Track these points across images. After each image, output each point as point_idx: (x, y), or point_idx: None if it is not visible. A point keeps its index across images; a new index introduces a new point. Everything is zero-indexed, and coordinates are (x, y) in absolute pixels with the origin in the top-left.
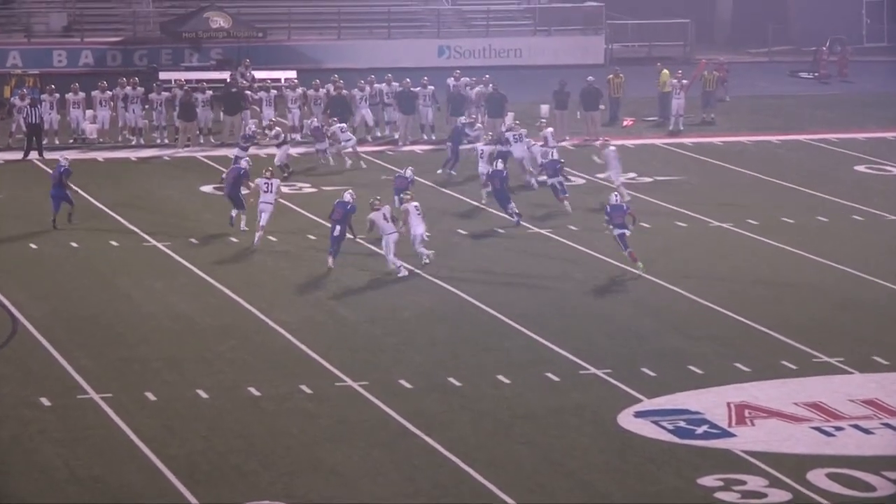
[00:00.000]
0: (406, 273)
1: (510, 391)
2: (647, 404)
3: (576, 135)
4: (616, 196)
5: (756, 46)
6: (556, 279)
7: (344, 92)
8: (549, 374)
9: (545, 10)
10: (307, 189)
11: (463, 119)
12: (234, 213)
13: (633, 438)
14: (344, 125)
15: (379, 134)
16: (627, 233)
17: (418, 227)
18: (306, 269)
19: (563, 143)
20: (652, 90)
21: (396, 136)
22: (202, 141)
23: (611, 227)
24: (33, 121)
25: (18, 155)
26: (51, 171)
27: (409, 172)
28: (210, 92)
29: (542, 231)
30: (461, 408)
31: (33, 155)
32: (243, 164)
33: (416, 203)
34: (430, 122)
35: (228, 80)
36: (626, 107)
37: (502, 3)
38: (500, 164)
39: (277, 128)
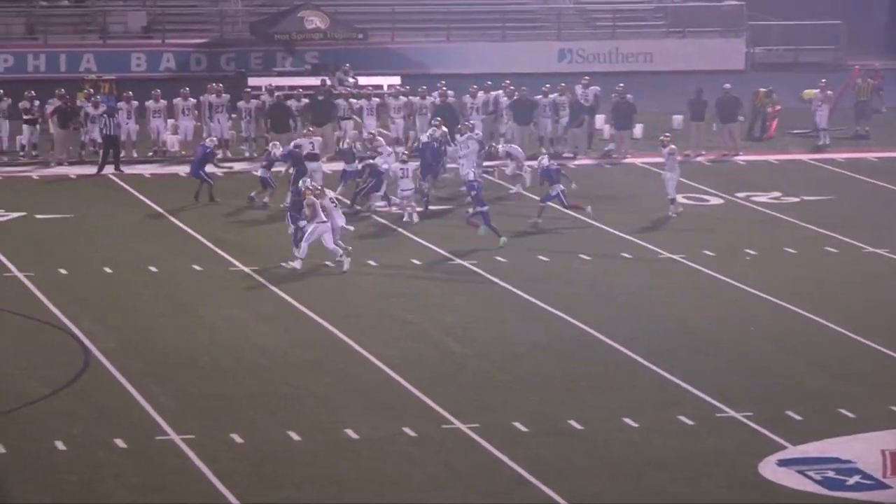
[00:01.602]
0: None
1: (638, 436)
2: (792, 451)
3: (712, 149)
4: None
5: None
6: (687, 309)
7: (452, 100)
8: (682, 417)
9: (679, 9)
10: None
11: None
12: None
13: (776, 490)
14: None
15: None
16: (560, 190)
17: (339, 219)
18: (409, 298)
19: (698, 158)
20: (796, 101)
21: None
22: None
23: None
24: (110, 132)
25: (92, 169)
26: (124, 185)
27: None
28: (306, 100)
29: (674, 256)
30: (583, 454)
31: (109, 169)
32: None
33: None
34: (550, 135)
35: (321, 85)
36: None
37: (631, 2)
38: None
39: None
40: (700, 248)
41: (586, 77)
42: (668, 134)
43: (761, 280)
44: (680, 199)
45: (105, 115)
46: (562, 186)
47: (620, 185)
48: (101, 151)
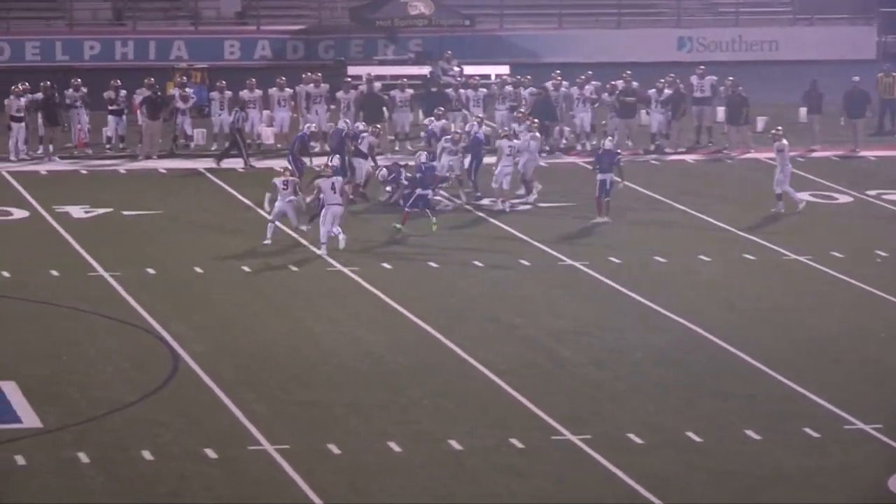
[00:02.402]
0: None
1: (759, 448)
2: None
3: (835, 144)
4: (610, 140)
5: None
6: (813, 314)
7: (557, 91)
8: (807, 429)
9: None
10: (521, 208)
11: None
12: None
13: None
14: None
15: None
16: (609, 180)
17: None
18: (517, 300)
19: (822, 154)
20: None
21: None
22: (397, 147)
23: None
24: (238, 124)
25: (182, 162)
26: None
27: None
28: (410, 91)
29: (800, 258)
30: (701, 467)
31: (232, 163)
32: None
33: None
34: (658, 129)
35: (429, 76)
36: None
37: None
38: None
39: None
40: (828, 248)
41: (702, 66)
42: (779, 127)
43: (892, 283)
44: (806, 196)
45: (238, 109)
46: (611, 176)
47: (738, 181)
48: (190, 144)
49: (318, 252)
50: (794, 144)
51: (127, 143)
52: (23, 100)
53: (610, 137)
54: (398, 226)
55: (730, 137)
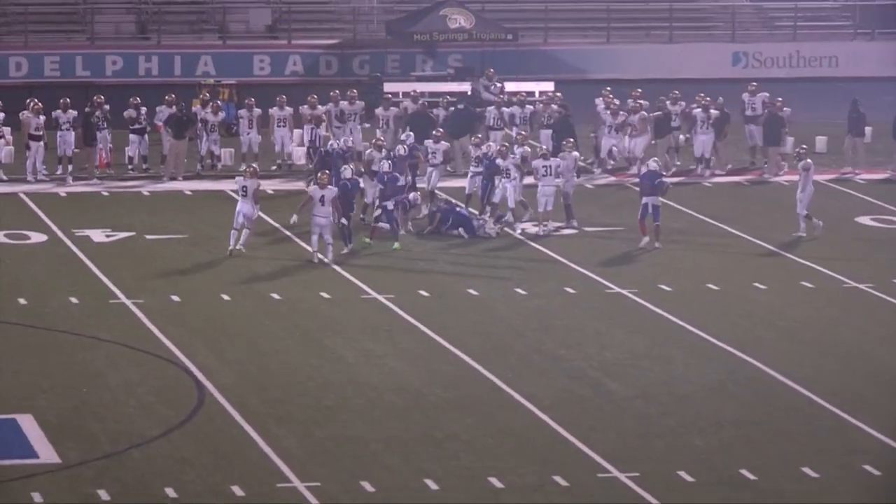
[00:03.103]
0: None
1: (818, 487)
2: None
3: (877, 166)
4: (655, 161)
5: None
6: (876, 346)
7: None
8: (868, 467)
9: (868, 7)
10: (565, 232)
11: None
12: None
13: None
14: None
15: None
16: (652, 203)
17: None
18: (562, 331)
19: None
20: None
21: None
22: (450, 168)
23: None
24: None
25: (210, 184)
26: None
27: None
28: (453, 108)
29: (860, 285)
30: None
31: (228, 185)
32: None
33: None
34: (704, 152)
35: (469, 93)
36: None
37: None
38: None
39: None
40: (889, 276)
41: (754, 83)
42: (804, 146)
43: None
44: (867, 221)
45: (313, 126)
46: (656, 199)
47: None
48: (217, 164)
49: (316, 261)
50: (856, 165)
51: (150, 163)
52: (67, 115)
53: (655, 158)
54: (367, 240)
55: (770, 158)
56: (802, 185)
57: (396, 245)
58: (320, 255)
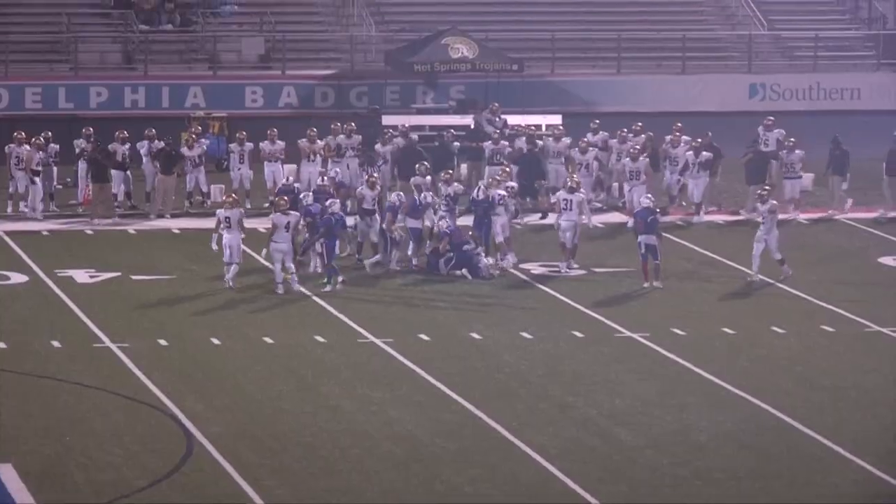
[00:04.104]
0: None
1: None
2: None
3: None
4: (647, 198)
5: None
6: None
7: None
8: None
9: (892, 37)
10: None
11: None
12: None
13: None
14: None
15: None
16: (645, 242)
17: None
18: (570, 377)
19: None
20: None
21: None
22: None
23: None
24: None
25: (199, 222)
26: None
27: (394, 196)
28: (458, 143)
29: (883, 329)
30: None
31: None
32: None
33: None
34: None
35: (473, 126)
36: None
37: (835, 28)
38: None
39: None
40: None
41: (770, 118)
42: (767, 187)
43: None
44: (890, 261)
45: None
46: (653, 238)
47: (813, 244)
48: (206, 201)
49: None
50: (880, 202)
51: (135, 199)
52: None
53: (648, 195)
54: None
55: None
56: (768, 227)
57: (326, 286)
58: (282, 287)
